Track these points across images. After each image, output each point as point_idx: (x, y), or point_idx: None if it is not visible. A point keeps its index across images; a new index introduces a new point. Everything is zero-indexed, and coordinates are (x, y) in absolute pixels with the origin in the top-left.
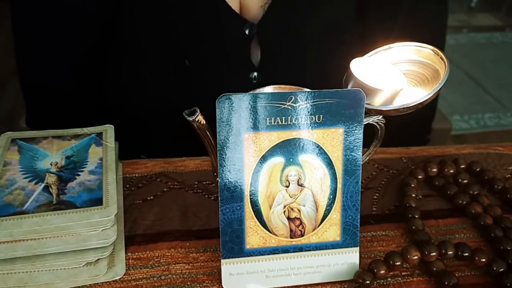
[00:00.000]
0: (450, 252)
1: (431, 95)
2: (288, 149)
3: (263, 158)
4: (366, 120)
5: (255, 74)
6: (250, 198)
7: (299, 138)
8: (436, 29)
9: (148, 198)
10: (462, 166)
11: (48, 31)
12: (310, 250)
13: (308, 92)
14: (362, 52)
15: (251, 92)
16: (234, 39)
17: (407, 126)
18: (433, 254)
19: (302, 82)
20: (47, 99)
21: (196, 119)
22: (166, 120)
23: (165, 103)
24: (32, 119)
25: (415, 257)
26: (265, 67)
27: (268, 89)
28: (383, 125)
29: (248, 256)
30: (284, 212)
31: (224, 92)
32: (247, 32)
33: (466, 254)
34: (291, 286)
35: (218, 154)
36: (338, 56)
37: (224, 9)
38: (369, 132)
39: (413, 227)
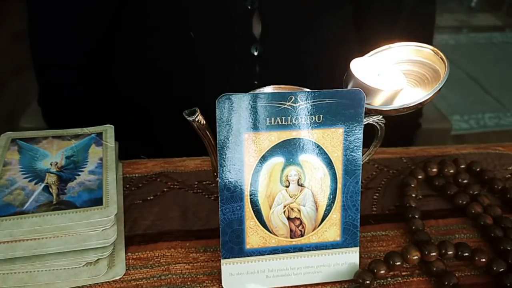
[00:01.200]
0: (450, 252)
1: (431, 95)
2: (288, 149)
3: (263, 158)
4: (366, 120)
5: (257, 47)
6: (250, 198)
7: (299, 138)
8: (427, 30)
9: (148, 198)
10: (462, 166)
11: (62, 9)
12: (310, 250)
13: (308, 92)
14: (362, 52)
15: (251, 92)
16: (236, 13)
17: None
18: (433, 254)
19: (302, 57)
20: (58, 79)
21: (196, 119)
22: (166, 120)
23: (167, 94)
24: (43, 99)
25: (415, 257)
26: (266, 41)
27: (268, 89)
28: (383, 125)
29: (248, 256)
30: (284, 212)
31: (227, 66)
32: (249, 6)
33: (466, 254)
34: (291, 286)
35: (218, 154)
36: (338, 51)
37: None
38: (369, 132)
39: (413, 227)
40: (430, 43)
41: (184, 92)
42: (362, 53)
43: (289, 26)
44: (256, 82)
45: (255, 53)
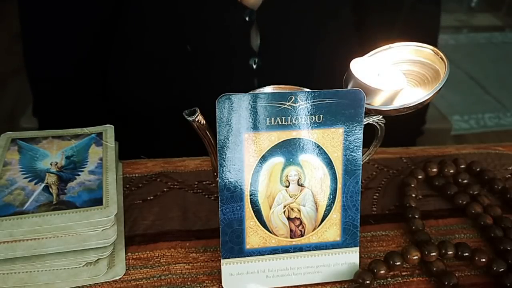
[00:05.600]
0: (450, 252)
1: (431, 95)
2: (288, 149)
3: (263, 158)
4: (366, 120)
5: (255, 59)
6: (250, 198)
7: (299, 138)
8: (430, 30)
9: (148, 198)
10: (462, 166)
11: (53, 23)
12: (310, 250)
13: (308, 92)
14: (362, 52)
15: (251, 92)
16: (234, 26)
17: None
18: (433, 254)
19: (301, 68)
20: (53, 90)
21: (196, 119)
22: (166, 120)
23: (166, 94)
24: (37, 109)
25: (415, 257)
26: (265, 53)
27: (268, 89)
28: (383, 125)
29: (248, 256)
30: (284, 212)
31: (225, 79)
32: (247, 19)
33: (466, 254)
34: (291, 286)
35: (218, 154)
36: (338, 53)
37: None
38: (369, 132)
39: (413, 227)
40: (434, 43)
41: (182, 98)
42: (362, 54)
43: (288, 39)
44: None
45: (254, 66)
